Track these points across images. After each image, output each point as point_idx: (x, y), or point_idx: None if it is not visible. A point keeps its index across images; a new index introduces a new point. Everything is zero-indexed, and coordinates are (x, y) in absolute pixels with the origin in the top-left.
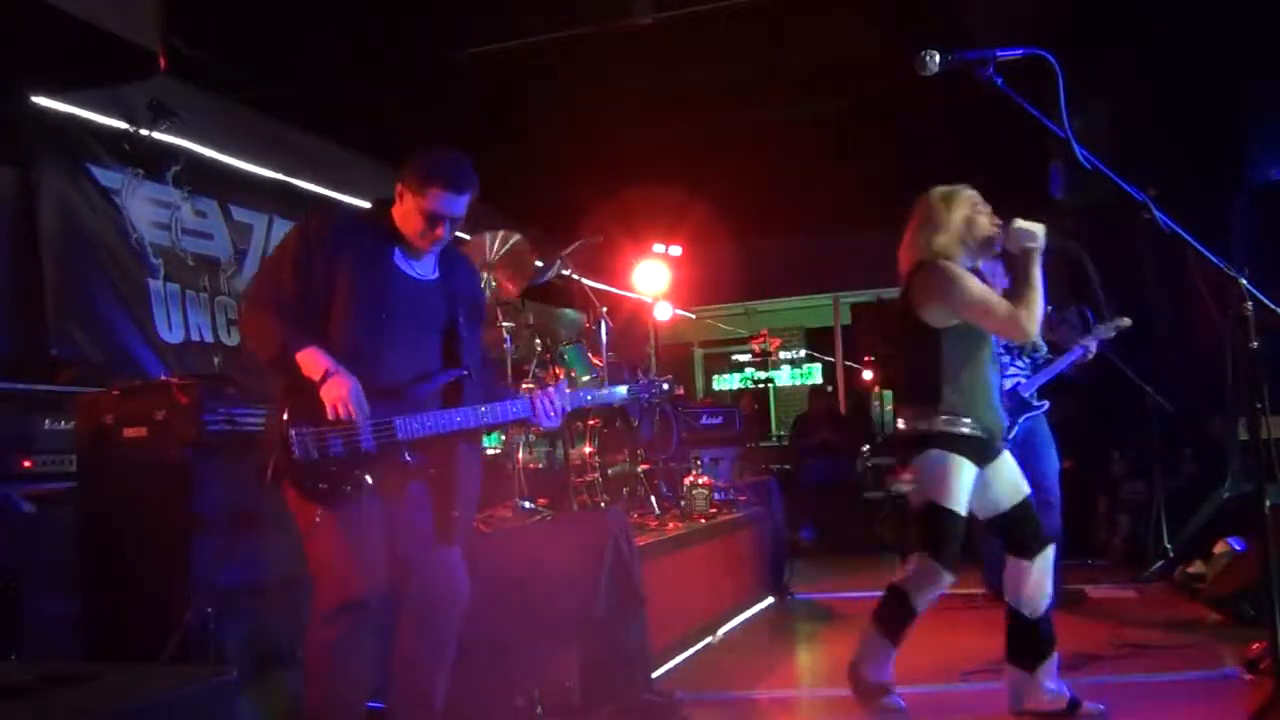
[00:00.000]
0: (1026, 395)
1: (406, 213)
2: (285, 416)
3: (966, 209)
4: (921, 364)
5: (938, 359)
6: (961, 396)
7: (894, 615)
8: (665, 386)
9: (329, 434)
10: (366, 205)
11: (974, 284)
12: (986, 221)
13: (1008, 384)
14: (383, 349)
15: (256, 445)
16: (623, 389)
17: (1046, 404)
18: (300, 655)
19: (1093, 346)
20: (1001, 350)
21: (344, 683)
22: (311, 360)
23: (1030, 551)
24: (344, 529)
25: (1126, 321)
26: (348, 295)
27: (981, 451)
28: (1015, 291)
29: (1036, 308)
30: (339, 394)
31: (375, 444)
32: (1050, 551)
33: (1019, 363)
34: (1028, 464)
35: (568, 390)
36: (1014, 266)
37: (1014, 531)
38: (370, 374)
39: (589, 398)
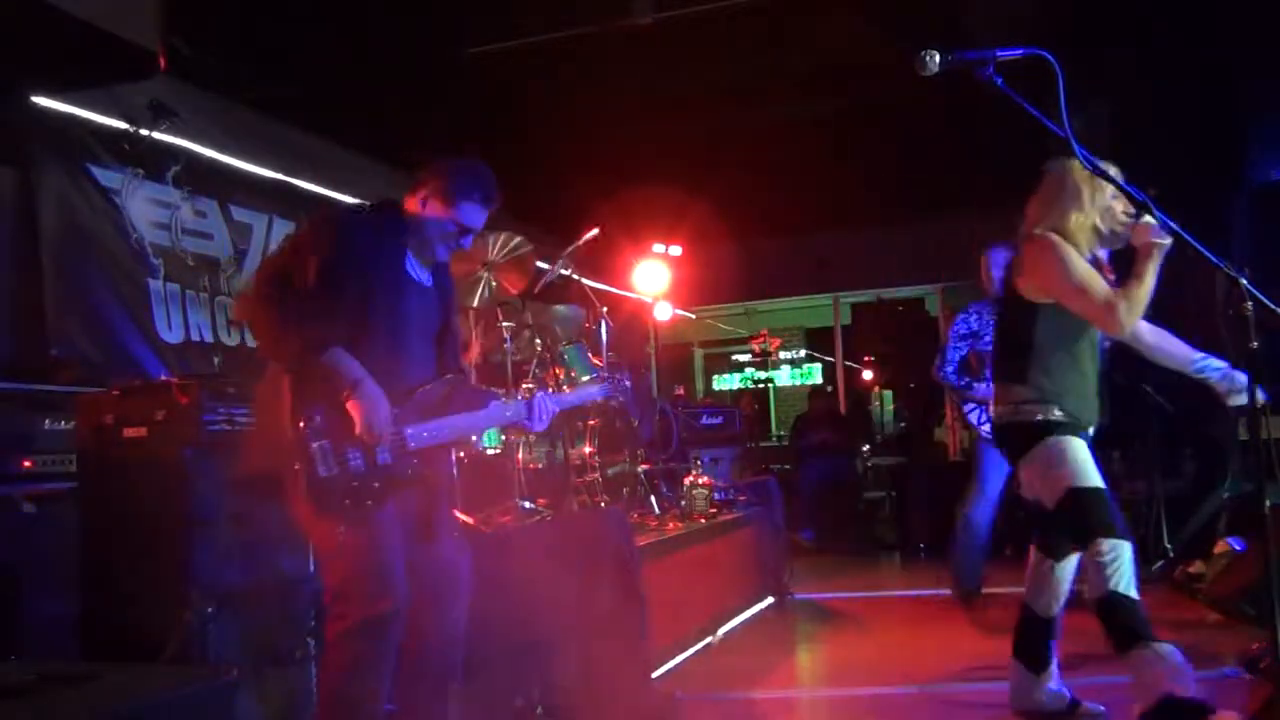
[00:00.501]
0: None
1: (439, 219)
2: (303, 425)
3: (1109, 192)
4: (1013, 341)
5: (1030, 337)
6: (1050, 380)
7: (1129, 617)
8: (627, 383)
9: (349, 448)
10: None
11: (1078, 262)
12: (1121, 210)
13: None
14: (397, 358)
15: (255, 450)
16: (596, 388)
17: None
18: (299, 655)
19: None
20: None
21: (364, 699)
22: (338, 366)
23: (1060, 554)
24: (370, 544)
25: None
26: (367, 303)
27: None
28: (1122, 284)
29: (1139, 303)
30: (370, 406)
31: (391, 456)
32: (1075, 559)
33: None
34: None
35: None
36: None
37: (1052, 530)
38: (386, 383)
39: (567, 400)
